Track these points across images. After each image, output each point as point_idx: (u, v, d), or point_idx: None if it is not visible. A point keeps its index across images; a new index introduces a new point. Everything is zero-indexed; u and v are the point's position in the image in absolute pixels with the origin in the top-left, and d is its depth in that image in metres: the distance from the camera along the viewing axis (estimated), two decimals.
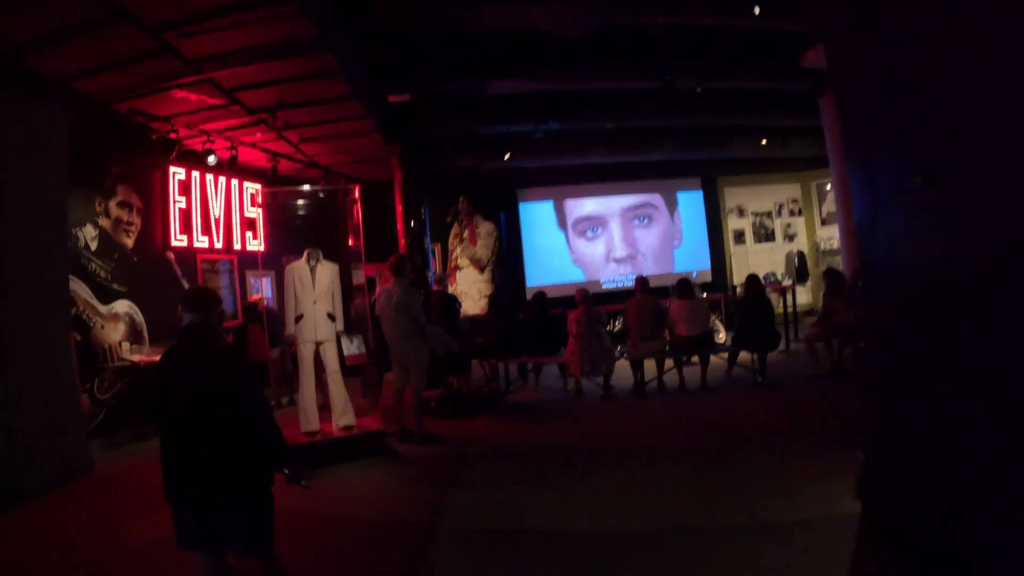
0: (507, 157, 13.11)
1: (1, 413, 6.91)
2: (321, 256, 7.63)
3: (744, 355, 10.11)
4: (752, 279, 9.94)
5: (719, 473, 5.94)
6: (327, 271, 7.59)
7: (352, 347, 7.90)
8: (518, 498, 5.76)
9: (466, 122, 12.19)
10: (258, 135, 10.25)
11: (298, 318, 7.49)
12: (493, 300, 11.16)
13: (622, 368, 10.08)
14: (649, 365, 9.78)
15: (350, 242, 8.45)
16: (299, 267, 7.57)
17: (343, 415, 7.58)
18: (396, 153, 11.78)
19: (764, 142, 14.90)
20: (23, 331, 7.03)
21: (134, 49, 7.14)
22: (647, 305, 9.63)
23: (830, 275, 10.20)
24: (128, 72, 7.66)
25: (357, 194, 8.29)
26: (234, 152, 10.16)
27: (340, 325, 7.68)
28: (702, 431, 7.46)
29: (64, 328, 7.65)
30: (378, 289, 9.34)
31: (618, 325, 13.02)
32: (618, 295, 15.14)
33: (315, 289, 7.50)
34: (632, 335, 9.67)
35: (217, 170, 10.82)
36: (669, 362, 9.90)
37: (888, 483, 4.01)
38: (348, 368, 8.35)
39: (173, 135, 9.32)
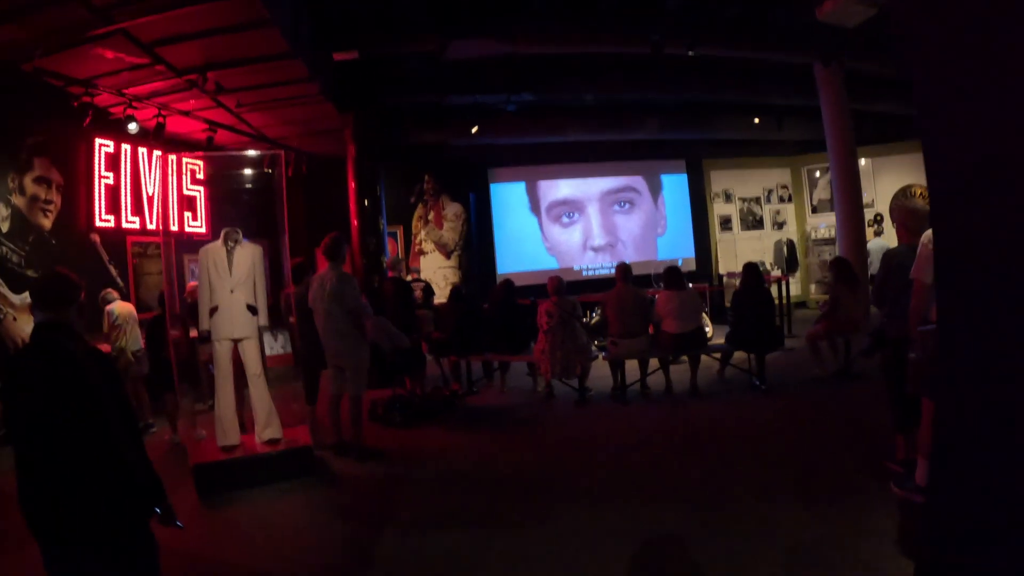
0: (475, 131, 11.93)
1: None
2: (240, 237, 6.48)
3: (739, 354, 8.94)
4: (751, 268, 8.75)
5: (716, 516, 4.74)
6: (247, 254, 6.43)
7: (276, 346, 6.71)
8: (465, 544, 4.60)
9: (430, 92, 11.06)
10: (192, 102, 9.15)
11: (212, 310, 6.35)
12: (453, 289, 9.94)
13: (600, 367, 8.91)
14: (631, 365, 8.64)
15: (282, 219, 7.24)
16: (214, 250, 6.41)
17: (267, 427, 6.43)
18: (350, 124, 10.59)
19: (757, 121, 13.90)
20: None
21: None
22: (629, 297, 8.47)
23: (838, 264, 9.10)
24: (28, 22, 6.68)
25: (282, 160, 7.07)
26: (161, 120, 9.07)
27: (263, 319, 6.51)
28: (693, 450, 6.31)
29: None
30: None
31: (595, 316, 11.83)
32: (596, 284, 14.06)
33: (232, 276, 6.34)
34: (612, 331, 8.50)
35: (151, 142, 9.67)
36: (654, 362, 8.74)
37: (964, 539, 2.89)
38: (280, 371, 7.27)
39: (87, 98, 8.18)
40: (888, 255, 5.24)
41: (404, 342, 8.11)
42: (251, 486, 6.00)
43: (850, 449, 5.84)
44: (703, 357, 8.80)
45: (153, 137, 9.24)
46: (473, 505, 5.36)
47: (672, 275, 8.78)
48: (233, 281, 6.33)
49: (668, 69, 11.23)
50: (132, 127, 8.80)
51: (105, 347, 8.36)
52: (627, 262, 9.05)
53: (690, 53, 9.94)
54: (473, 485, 5.83)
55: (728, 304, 13.52)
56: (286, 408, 6.99)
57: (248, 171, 8.47)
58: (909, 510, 4.30)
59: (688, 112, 13.95)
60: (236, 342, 6.39)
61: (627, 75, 11.51)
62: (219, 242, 6.43)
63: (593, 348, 9.13)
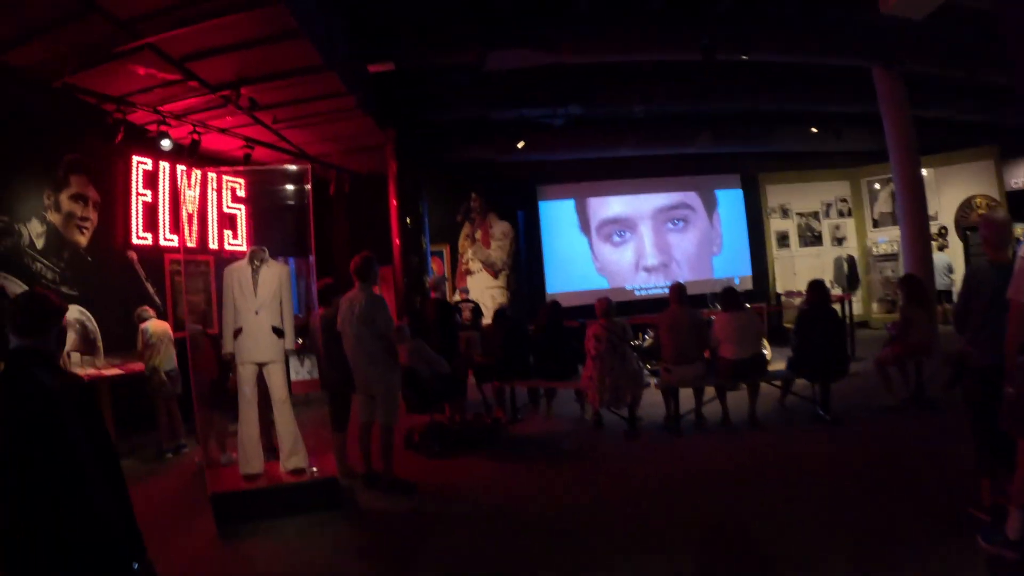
0: (521, 146, 11.47)
1: None
2: (267, 256, 6.14)
3: (800, 380, 8.23)
4: (817, 286, 8.04)
5: (776, 572, 4.17)
6: (273, 274, 6.10)
7: (303, 370, 6.33)
8: None
9: (473, 106, 10.66)
10: (228, 119, 8.98)
11: (236, 332, 6.01)
12: (497, 311, 9.46)
13: (652, 394, 8.28)
14: (685, 393, 8.01)
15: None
16: (238, 269, 6.10)
17: (292, 455, 6.05)
18: (391, 141, 10.27)
19: (815, 130, 13.14)
20: None
21: (54, 8, 6.01)
22: (684, 319, 7.86)
23: (909, 283, 8.35)
24: (54, 39, 6.51)
25: (310, 175, 6.73)
26: (196, 137, 8.92)
27: (289, 342, 6.14)
28: (751, 491, 5.66)
29: None
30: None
31: (648, 339, 11.20)
32: (649, 304, 13.44)
33: (257, 296, 6.01)
34: (666, 356, 7.91)
35: (189, 160, 9.49)
36: (710, 390, 8.11)
37: None
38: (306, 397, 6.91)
39: (118, 115, 8.05)
40: (971, 273, 4.63)
41: (443, 367, 7.69)
42: (273, 517, 5.65)
43: (927, 492, 5.16)
44: (763, 384, 8.10)
45: (188, 154, 9.05)
46: (508, 550, 4.85)
47: (729, 296, 8.16)
48: (258, 302, 6.00)
49: (721, 77, 10.69)
50: (165, 144, 8.64)
51: (138, 365, 8.20)
52: (681, 282, 8.44)
53: (743, 57, 9.36)
54: (510, 526, 5.30)
55: (787, 325, 12.85)
56: (313, 435, 6.60)
57: (288, 188, 8.21)
58: (1000, 568, 3.73)
59: (742, 123, 13.33)
60: (261, 366, 6.04)
61: (678, 84, 10.99)
62: (244, 261, 6.12)
63: (646, 374, 8.54)
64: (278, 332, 6.05)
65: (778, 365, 8.84)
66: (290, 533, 5.41)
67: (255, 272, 6.05)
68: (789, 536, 4.66)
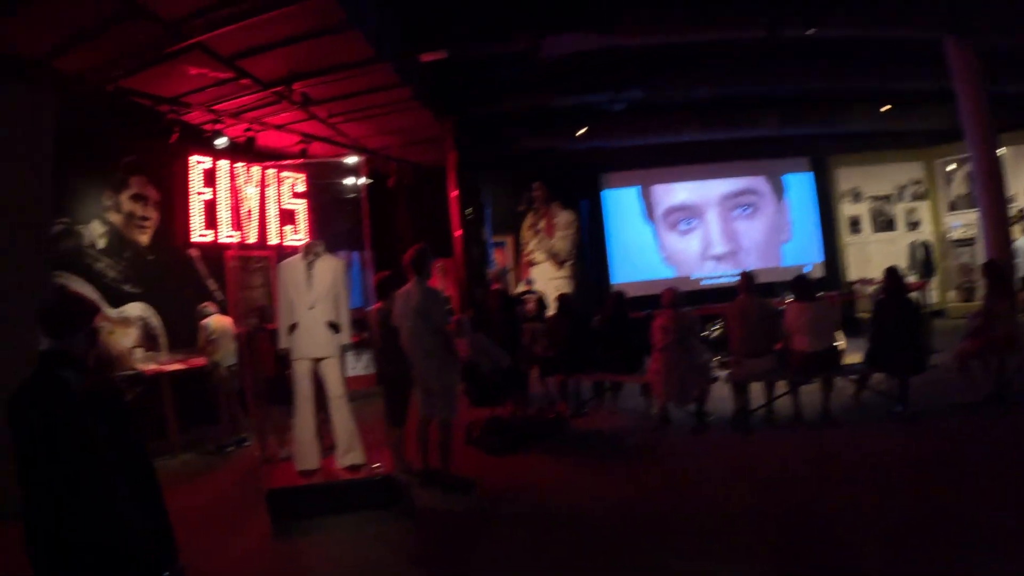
0: (581, 133, 11.16)
1: None
2: (322, 250, 6.03)
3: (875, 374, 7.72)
4: (892, 274, 7.56)
5: None
6: (328, 268, 5.98)
7: (359, 366, 6.19)
8: None
9: (531, 93, 10.37)
10: (284, 115, 8.98)
11: (292, 328, 5.92)
12: (561, 301, 9.20)
13: (720, 387, 7.88)
14: (756, 387, 7.60)
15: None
16: (293, 264, 6.01)
17: (348, 452, 5.94)
18: (450, 132, 10.10)
19: (886, 108, 12.43)
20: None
21: (98, 12, 5.98)
22: (754, 309, 7.46)
23: (991, 270, 7.76)
24: (103, 43, 6.53)
25: (363, 167, 6.60)
26: (251, 134, 8.94)
27: (345, 337, 6.02)
28: (826, 491, 5.28)
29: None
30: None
31: (716, 330, 10.77)
32: (717, 294, 12.97)
33: (312, 291, 5.89)
34: (734, 348, 7.55)
35: (247, 157, 9.52)
36: (781, 384, 7.66)
37: None
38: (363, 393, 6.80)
39: (172, 115, 8.15)
40: None
41: (504, 361, 7.48)
42: (328, 514, 5.56)
43: (1012, 495, 4.74)
44: (839, 379, 7.64)
45: (244, 152, 9.06)
46: (567, 555, 4.60)
47: (801, 285, 7.71)
48: (313, 297, 5.88)
49: (786, 55, 10.19)
50: (220, 142, 8.72)
51: (200, 360, 8.25)
52: (750, 270, 8.03)
53: (809, 32, 8.84)
54: (570, 529, 5.04)
55: (860, 315, 12.23)
56: (370, 431, 6.49)
57: (343, 181, 8.15)
58: None
59: (810, 104, 12.70)
60: (316, 361, 5.93)
61: (742, 64, 10.51)
62: (299, 256, 6.02)
63: (713, 367, 8.17)
64: (334, 327, 5.93)
65: (852, 357, 8.33)
66: (344, 531, 5.31)
67: (310, 266, 5.93)
68: (864, 542, 4.31)
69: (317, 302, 5.87)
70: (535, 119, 11.77)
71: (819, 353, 7.27)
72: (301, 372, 5.91)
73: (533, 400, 8.28)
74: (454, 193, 10.47)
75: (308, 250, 5.99)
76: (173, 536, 2.57)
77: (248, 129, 8.87)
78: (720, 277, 14.43)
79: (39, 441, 2.39)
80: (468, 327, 7.60)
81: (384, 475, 5.81)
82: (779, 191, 14.96)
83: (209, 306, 8.54)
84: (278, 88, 7.92)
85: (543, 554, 4.64)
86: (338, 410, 5.95)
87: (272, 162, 8.71)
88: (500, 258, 13.23)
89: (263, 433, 7.39)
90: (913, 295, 9.55)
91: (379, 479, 5.77)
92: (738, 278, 7.85)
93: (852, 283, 13.99)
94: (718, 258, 14.68)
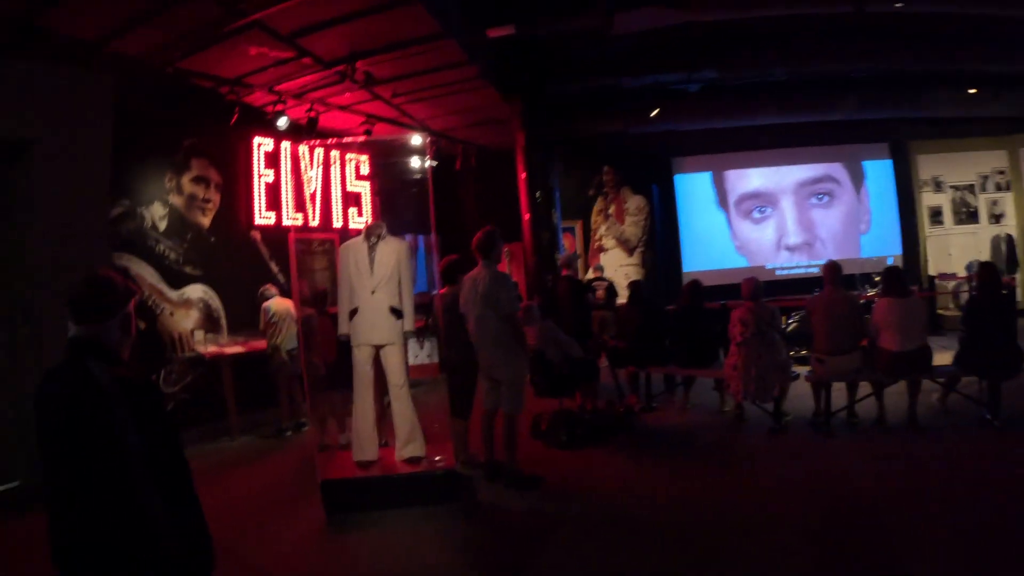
0: (654, 114, 10.68)
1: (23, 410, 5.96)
2: (384, 232, 5.75)
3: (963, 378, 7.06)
4: (989, 269, 6.95)
5: None
6: (391, 251, 5.69)
7: (422, 354, 5.91)
8: None
9: (602, 74, 9.96)
10: (347, 95, 8.80)
11: (352, 313, 5.66)
12: (633, 289, 8.75)
13: (798, 386, 7.38)
14: (838, 387, 7.03)
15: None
16: (354, 246, 5.74)
17: (408, 443, 5.67)
18: (517, 113, 9.76)
19: (973, 91, 11.55)
20: (52, 320, 5.89)
21: None
22: (841, 303, 6.90)
23: None
24: (160, 24, 6.38)
25: (429, 147, 6.28)
26: (313, 115, 8.76)
27: (408, 323, 5.72)
28: (917, 507, 4.77)
29: None
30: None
31: (792, 323, 10.19)
32: (791, 285, 12.36)
33: (374, 275, 5.62)
34: (818, 345, 6.99)
35: (310, 139, 9.36)
36: (865, 385, 7.10)
37: None
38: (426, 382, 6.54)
39: (232, 96, 8.05)
40: None
41: (575, 350, 7.13)
42: (385, 507, 5.34)
43: None
44: (924, 381, 6.99)
45: (307, 132, 8.90)
46: (634, 563, 4.25)
47: (893, 278, 7.10)
48: (375, 281, 5.61)
49: (868, 33, 9.51)
50: (282, 123, 8.57)
51: (261, 344, 8.15)
52: (836, 261, 7.46)
53: (898, 5, 8.20)
54: (637, 537, 4.67)
55: (940, 311, 11.48)
56: (432, 423, 6.23)
57: (408, 162, 7.89)
58: None
59: (891, 86, 11.89)
60: (378, 348, 5.67)
61: (821, 43, 9.86)
62: (360, 238, 5.76)
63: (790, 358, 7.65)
64: (396, 312, 5.65)
65: (936, 358, 7.68)
66: (401, 527, 5.07)
67: (371, 249, 5.66)
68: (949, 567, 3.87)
69: (379, 286, 5.60)
70: (605, 100, 11.32)
71: (909, 353, 6.66)
72: (361, 359, 5.66)
73: (602, 392, 7.89)
74: (522, 175, 10.11)
75: (370, 232, 5.73)
76: (208, 542, 2.29)
77: (310, 109, 8.66)
78: (795, 268, 13.78)
79: (62, 435, 2.15)
80: (537, 314, 7.27)
81: (445, 469, 5.52)
82: (858, 178, 14.19)
83: (270, 289, 8.44)
84: (340, 67, 7.71)
85: (606, 561, 4.30)
86: (399, 400, 5.68)
87: (335, 139, 8.46)
88: (569, 244, 12.90)
89: (322, 418, 7.24)
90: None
91: (440, 473, 5.49)
92: (823, 269, 7.29)
93: (933, 278, 13.15)
94: (793, 248, 14.00)
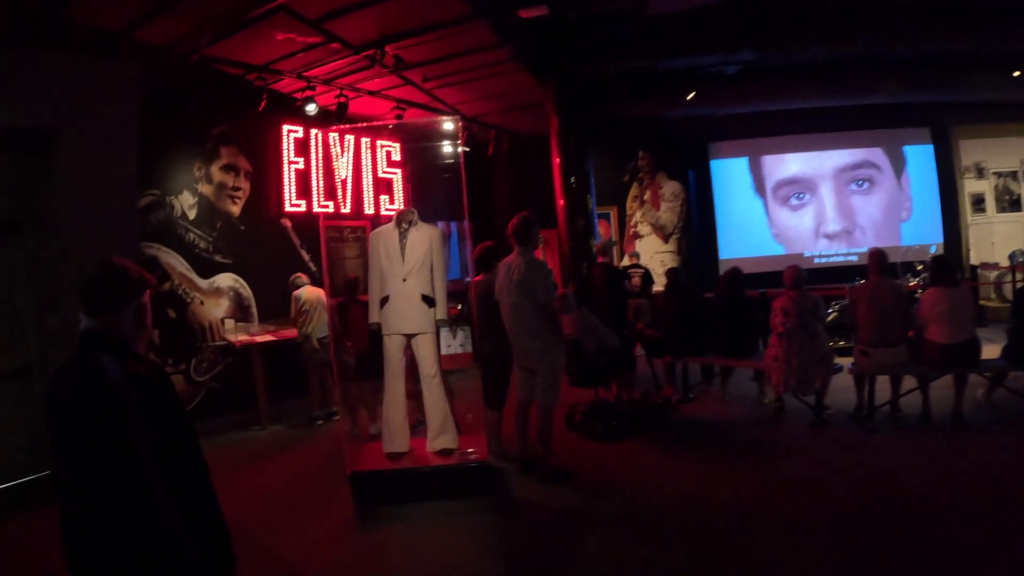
0: (691, 98, 10.38)
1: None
2: (415, 218, 5.61)
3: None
4: None
5: None
6: (422, 237, 5.54)
7: (455, 344, 5.76)
8: None
9: (637, 56, 9.64)
10: (377, 81, 8.68)
11: (383, 301, 5.53)
12: (671, 276, 8.49)
13: (840, 379, 7.06)
14: (882, 380, 6.75)
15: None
16: (385, 233, 5.60)
17: (440, 435, 5.55)
18: (551, 97, 9.55)
19: (1017, 74, 11.02)
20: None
21: None
22: (887, 293, 6.60)
23: None
24: (185, 11, 6.30)
25: (460, 132, 6.09)
26: (343, 100, 8.66)
27: (441, 312, 5.56)
28: (966, 509, 4.51)
29: None
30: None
31: (832, 312, 9.85)
32: (830, 274, 11.99)
33: (405, 262, 5.48)
34: (862, 336, 6.71)
35: (340, 126, 9.24)
36: (910, 378, 6.80)
37: None
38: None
39: (259, 83, 7.99)
40: None
41: (611, 340, 6.96)
42: (415, 500, 5.23)
43: None
44: (971, 376, 6.68)
45: (336, 119, 8.80)
46: (667, 563, 4.06)
47: (941, 267, 6.80)
48: (406, 268, 5.47)
49: (909, 11, 9.17)
50: (310, 109, 8.48)
51: (291, 332, 8.09)
52: (882, 248, 7.13)
53: None
54: (671, 532, 4.49)
55: (983, 302, 11.07)
56: (464, 414, 6.11)
57: (439, 147, 7.75)
58: None
59: (933, 68, 11.38)
60: (409, 337, 5.53)
61: (862, 23, 9.46)
62: (391, 224, 5.61)
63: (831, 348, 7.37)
64: (428, 301, 5.50)
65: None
66: (430, 521, 4.95)
67: (403, 236, 5.52)
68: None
69: (411, 274, 5.46)
70: (641, 84, 10.99)
71: (957, 345, 6.36)
72: (392, 349, 5.53)
73: (638, 382, 7.70)
74: (556, 160, 9.89)
75: (401, 218, 5.58)
76: (227, 546, 2.17)
77: (340, 95, 8.54)
78: (834, 256, 13.40)
79: (71, 433, 2.03)
80: (573, 302, 7.10)
81: (478, 462, 5.38)
82: (899, 164, 13.70)
83: (301, 277, 8.39)
84: (369, 52, 7.57)
85: (641, 561, 4.12)
86: (431, 390, 5.55)
87: (363, 125, 8.33)
88: (604, 230, 12.69)
89: (352, 408, 7.15)
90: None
91: (472, 466, 5.36)
92: (868, 257, 6.96)
93: (975, 268, 12.70)
94: (831, 236, 13.58)
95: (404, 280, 5.45)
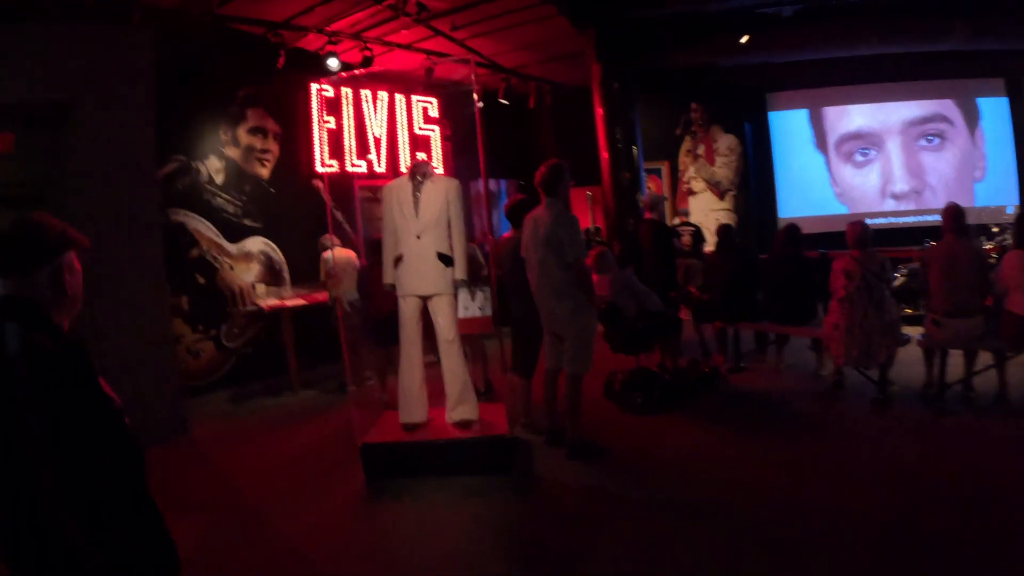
0: (744, 40, 9.55)
1: None
2: (429, 170, 5.15)
3: None
4: None
5: None
6: (438, 190, 5.06)
7: (473, 305, 5.29)
8: None
9: None
10: (404, 33, 8.27)
11: (397, 260, 5.10)
12: (723, 234, 7.75)
13: (908, 351, 6.26)
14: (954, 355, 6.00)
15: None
16: (398, 187, 5.15)
17: (458, 405, 5.13)
18: (591, 43, 8.93)
19: None
20: (108, 278, 5.90)
21: None
22: (964, 256, 5.78)
23: None
24: None
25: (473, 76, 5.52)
26: (368, 54, 8.28)
27: (460, 272, 5.10)
28: None
29: (156, 274, 6.52)
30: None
31: (899, 277, 8.97)
32: (897, 235, 11.06)
33: (419, 218, 5.02)
34: (934, 304, 5.92)
35: (371, 82, 8.87)
36: (985, 354, 6.01)
37: None
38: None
39: (275, 39, 7.69)
40: None
41: (653, 303, 6.41)
42: (430, 474, 4.87)
43: None
44: None
45: (368, 76, 8.45)
46: (697, 561, 3.56)
47: None
48: (420, 225, 5.01)
49: None
50: (332, 64, 8.14)
51: (323, 295, 7.89)
52: (958, 204, 6.26)
53: None
54: (705, 524, 3.97)
55: None
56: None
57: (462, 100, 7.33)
58: None
59: (1008, 13, 10.22)
60: (425, 299, 5.11)
61: None
62: (405, 177, 5.16)
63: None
64: (445, 260, 5.05)
65: None
66: (444, 499, 4.57)
67: (416, 189, 5.06)
68: None
69: (425, 230, 5.00)
70: (689, 29, 10.17)
71: None
72: (408, 312, 5.11)
73: (686, 350, 7.14)
74: (599, 111, 9.28)
75: (415, 171, 5.11)
76: (157, 555, 1.81)
77: (364, 49, 8.13)
78: (902, 217, 12.42)
79: None
80: (612, 262, 6.57)
81: (498, 435, 4.95)
82: (972, 118, 12.47)
83: (330, 238, 8.05)
84: (391, 0, 7.07)
85: (667, 564, 3.58)
86: (448, 356, 5.12)
87: (354, 74, 7.90)
88: (655, 186, 12.06)
89: (382, 373, 6.83)
90: None
91: (492, 439, 4.94)
92: (943, 215, 6.11)
93: None
94: (898, 196, 12.54)
95: (418, 237, 5.00)
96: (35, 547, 1.66)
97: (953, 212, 6.02)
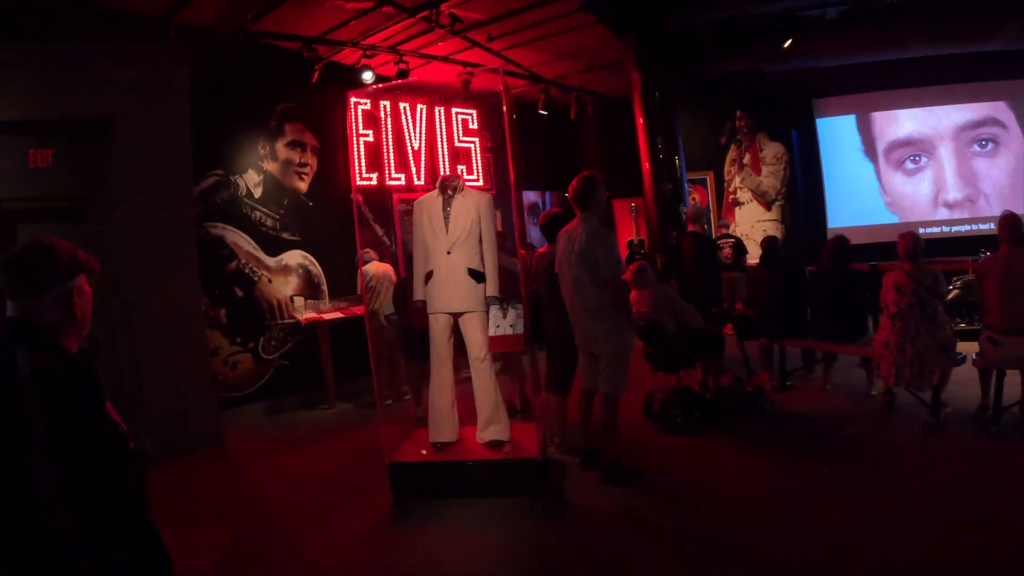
0: (788, 45, 9.26)
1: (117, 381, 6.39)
2: (460, 184, 5.05)
3: None
4: None
5: None
6: (469, 205, 4.97)
7: (505, 323, 5.15)
8: None
9: (726, 3, 8.60)
10: (441, 45, 8.23)
11: (427, 276, 5.02)
12: (768, 247, 7.45)
13: (962, 371, 5.94)
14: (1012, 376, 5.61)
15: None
16: (428, 201, 5.09)
17: (489, 425, 5.03)
18: (631, 51, 8.78)
19: None
20: (145, 291, 6.29)
21: None
22: (1023, 267, 5.46)
23: None
24: None
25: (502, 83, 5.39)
26: (403, 66, 8.26)
27: (492, 288, 4.99)
28: None
29: (192, 287, 6.71)
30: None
31: (953, 289, 8.42)
32: (950, 246, 10.62)
33: (449, 233, 4.94)
34: (991, 321, 5.58)
35: (408, 95, 8.83)
36: None
37: None
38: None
39: (310, 54, 7.72)
40: None
41: (695, 320, 6.20)
42: (458, 496, 4.77)
43: None
44: None
45: (404, 88, 8.39)
46: None
47: None
48: (450, 240, 4.93)
49: None
50: (367, 77, 8.15)
51: (360, 309, 7.89)
52: (1016, 213, 5.87)
53: None
54: (743, 561, 3.70)
55: None
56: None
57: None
58: None
59: None
60: (456, 317, 5.01)
61: None
62: (435, 191, 5.08)
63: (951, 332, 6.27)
64: (476, 276, 4.95)
65: None
66: (473, 521, 4.45)
67: (446, 204, 4.98)
68: None
69: (456, 246, 4.92)
70: (733, 35, 9.93)
71: None
72: (438, 329, 5.03)
73: (728, 366, 6.88)
74: (640, 120, 9.10)
75: (445, 184, 5.04)
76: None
77: (399, 62, 8.12)
78: (955, 227, 11.93)
79: None
80: (651, 276, 6.39)
81: (529, 457, 4.82)
82: None
83: (369, 252, 8.09)
84: (424, 12, 7.06)
85: None
86: (480, 375, 5.03)
87: (423, 97, 7.86)
88: (700, 196, 11.81)
89: (418, 388, 6.78)
90: None
91: (522, 461, 4.81)
92: (999, 224, 5.68)
93: None
94: (951, 205, 12.03)
95: (448, 253, 4.92)
96: (39, 565, 1.68)
97: (1011, 220, 5.64)
